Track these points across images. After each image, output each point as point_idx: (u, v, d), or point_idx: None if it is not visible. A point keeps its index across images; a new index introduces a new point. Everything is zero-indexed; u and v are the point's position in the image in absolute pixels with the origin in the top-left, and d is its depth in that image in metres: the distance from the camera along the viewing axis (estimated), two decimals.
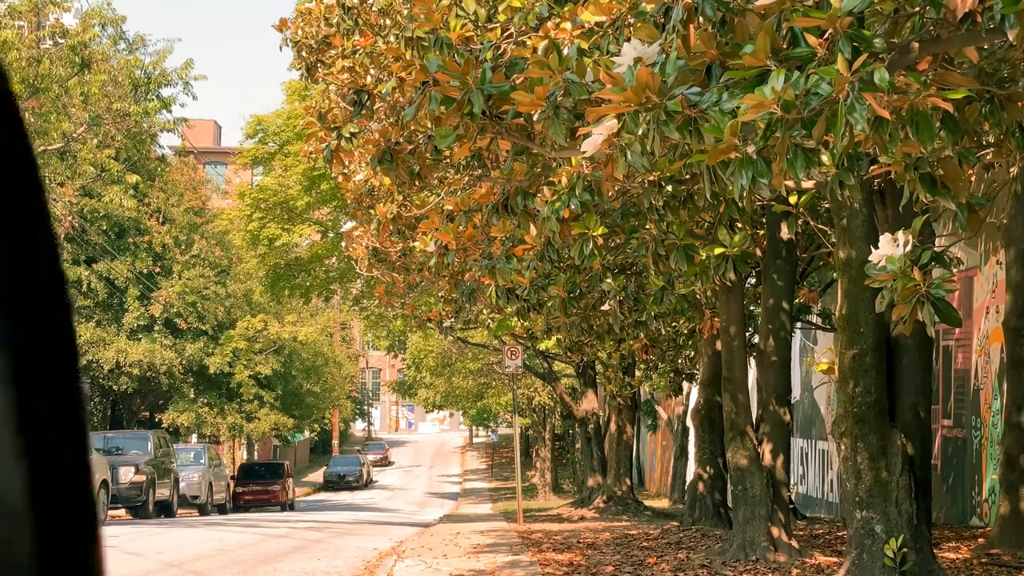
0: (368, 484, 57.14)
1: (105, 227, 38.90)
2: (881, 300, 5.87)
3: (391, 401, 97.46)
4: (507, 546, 16.27)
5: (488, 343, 31.37)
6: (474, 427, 79.55)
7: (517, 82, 6.97)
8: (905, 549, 9.39)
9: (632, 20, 6.29)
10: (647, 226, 10.09)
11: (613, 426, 26.77)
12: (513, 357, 22.95)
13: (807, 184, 9.17)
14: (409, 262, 14.41)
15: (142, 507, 28.23)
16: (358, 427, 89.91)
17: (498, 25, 7.98)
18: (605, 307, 12.54)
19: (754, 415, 13.75)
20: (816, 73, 4.51)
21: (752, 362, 17.02)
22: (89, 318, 39.40)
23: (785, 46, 4.73)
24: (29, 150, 0.90)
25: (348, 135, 9.61)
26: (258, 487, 40.07)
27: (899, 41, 5.18)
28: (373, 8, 11.47)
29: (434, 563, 14.04)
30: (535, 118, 6.38)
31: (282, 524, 24.58)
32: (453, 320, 17.35)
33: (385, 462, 73.26)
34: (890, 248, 5.76)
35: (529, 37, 7.58)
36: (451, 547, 16.39)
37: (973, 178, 8.10)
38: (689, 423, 23.85)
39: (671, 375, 21.69)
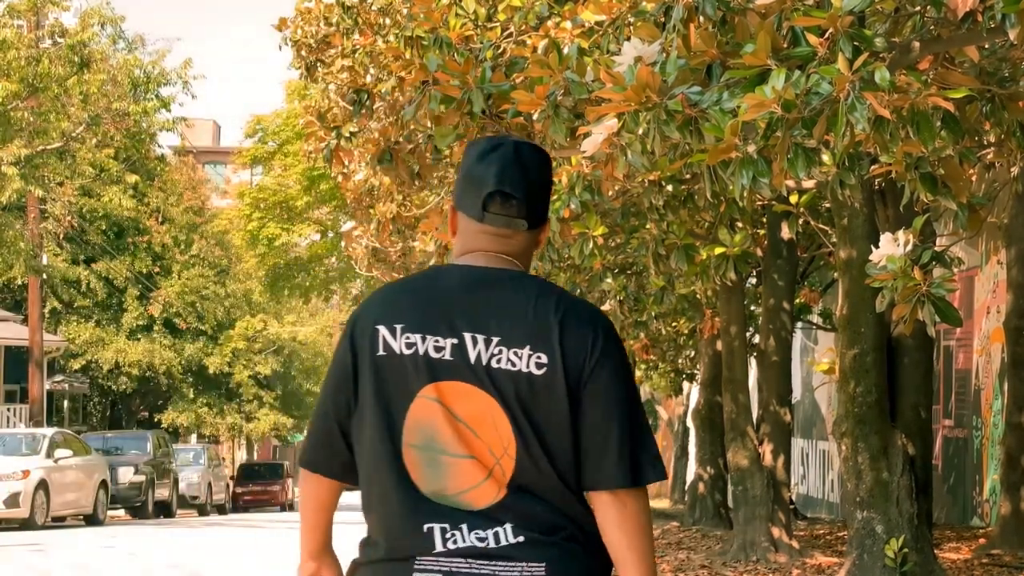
0: None
1: (104, 227, 38.84)
2: (882, 300, 5.85)
3: None
4: None
5: None
6: None
7: (517, 81, 6.95)
8: (906, 549, 9.37)
9: (632, 19, 6.27)
10: (647, 226, 10.06)
11: None
12: None
13: (808, 184, 9.14)
14: (409, 262, 14.39)
15: (141, 507, 28.18)
16: None
17: (498, 24, 7.96)
18: (605, 307, 12.51)
19: (755, 415, 13.72)
20: (817, 72, 4.49)
21: (753, 362, 16.99)
22: (88, 318, 39.35)
23: (786, 45, 4.71)
24: None
25: (348, 134, 9.59)
26: (258, 487, 39.96)
27: (900, 40, 5.16)
28: (373, 7, 11.46)
29: None
30: (535, 117, 6.36)
31: (282, 525, 24.55)
32: None
33: None
34: (891, 248, 5.73)
35: (529, 36, 7.56)
36: None
37: (974, 178, 8.08)
38: (689, 423, 23.81)
39: (671, 375, 21.66)
